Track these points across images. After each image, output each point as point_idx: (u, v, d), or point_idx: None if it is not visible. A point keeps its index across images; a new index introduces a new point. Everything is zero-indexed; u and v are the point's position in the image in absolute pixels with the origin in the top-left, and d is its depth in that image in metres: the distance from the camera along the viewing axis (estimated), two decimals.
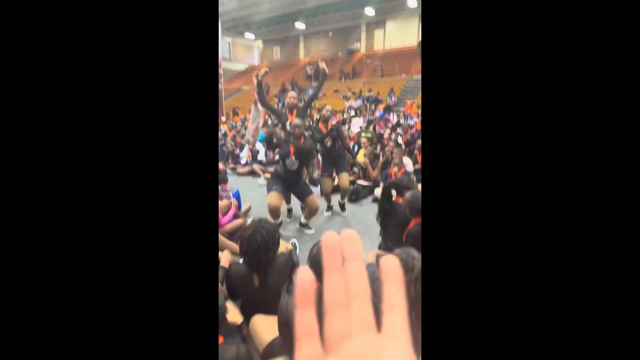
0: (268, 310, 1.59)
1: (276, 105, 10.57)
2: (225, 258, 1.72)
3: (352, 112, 9.68)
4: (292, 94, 3.37)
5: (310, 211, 3.02)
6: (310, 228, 3.17)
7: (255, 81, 3.17)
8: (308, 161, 3.15)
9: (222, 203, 2.88)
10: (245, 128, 9.60)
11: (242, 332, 1.35)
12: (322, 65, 3.14)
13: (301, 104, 3.39)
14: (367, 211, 3.27)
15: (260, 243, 1.52)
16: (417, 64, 13.21)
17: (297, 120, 2.89)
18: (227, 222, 2.83)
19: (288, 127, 3.21)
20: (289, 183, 2.92)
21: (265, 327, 1.47)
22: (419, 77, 12.20)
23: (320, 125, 3.41)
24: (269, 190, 2.90)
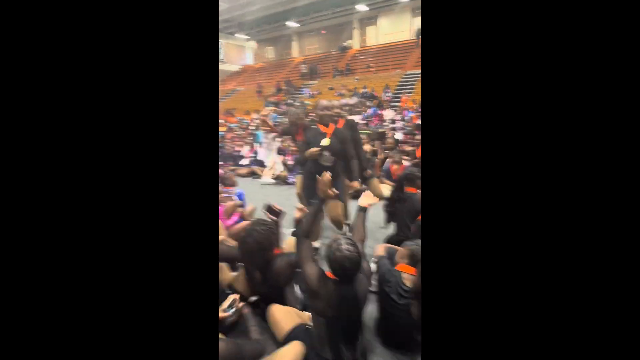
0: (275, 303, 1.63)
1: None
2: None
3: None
4: (293, 111, 2.94)
5: (333, 219, 2.40)
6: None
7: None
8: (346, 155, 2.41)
9: (226, 205, 2.90)
10: (244, 129, 9.57)
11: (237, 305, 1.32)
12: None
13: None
14: (373, 208, 3.29)
15: (251, 245, 1.55)
16: (411, 59, 13.22)
17: (324, 102, 2.29)
18: (233, 224, 2.85)
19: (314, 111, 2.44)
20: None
21: (283, 317, 1.51)
22: (413, 72, 12.22)
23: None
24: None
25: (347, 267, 1.26)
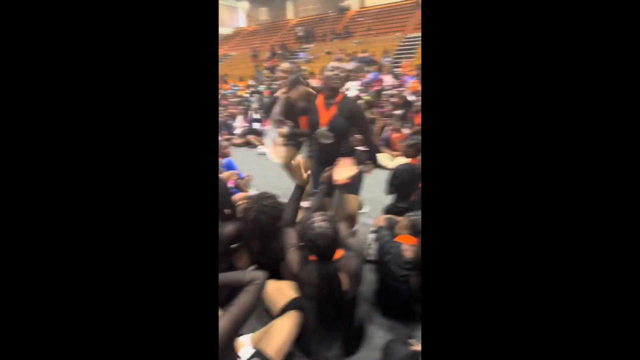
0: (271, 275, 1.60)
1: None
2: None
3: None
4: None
5: (347, 215, 1.94)
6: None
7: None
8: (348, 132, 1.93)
9: (221, 175, 2.81)
10: (241, 97, 9.26)
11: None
12: None
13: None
14: (371, 177, 3.23)
15: (266, 222, 1.53)
16: (414, 21, 12.58)
17: (334, 63, 1.85)
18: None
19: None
20: (325, 164, 1.86)
21: (278, 291, 1.50)
22: (415, 35, 11.66)
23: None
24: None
25: (321, 245, 1.20)
